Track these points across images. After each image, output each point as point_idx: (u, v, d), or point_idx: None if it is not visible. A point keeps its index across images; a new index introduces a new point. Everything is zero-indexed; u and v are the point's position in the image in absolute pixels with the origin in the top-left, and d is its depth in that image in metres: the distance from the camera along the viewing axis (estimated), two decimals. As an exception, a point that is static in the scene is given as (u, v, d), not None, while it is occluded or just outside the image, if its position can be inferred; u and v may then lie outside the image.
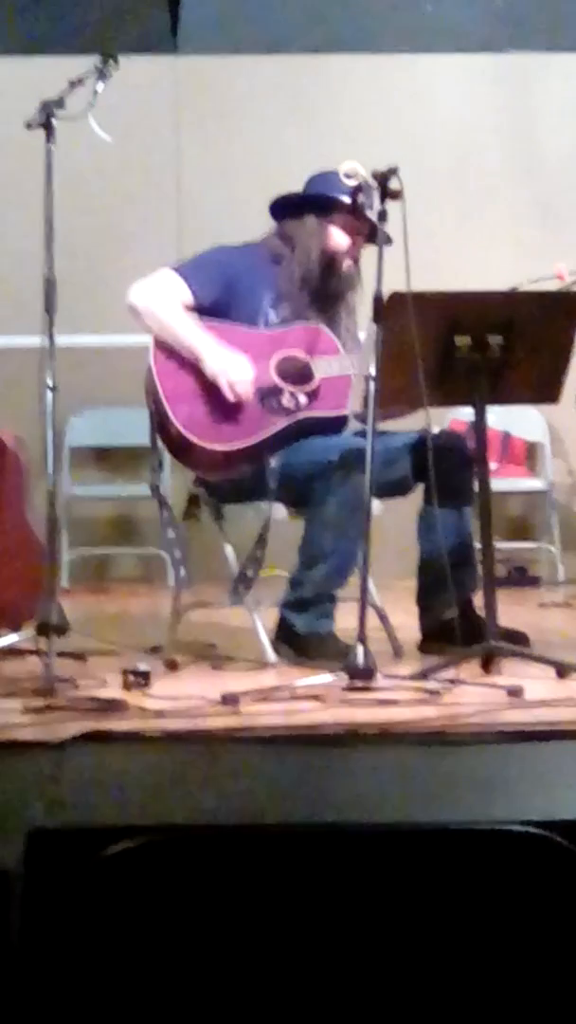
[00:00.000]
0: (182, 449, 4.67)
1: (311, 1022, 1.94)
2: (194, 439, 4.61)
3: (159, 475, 4.88)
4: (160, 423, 4.70)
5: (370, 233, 4.73)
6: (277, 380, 4.72)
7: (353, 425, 4.71)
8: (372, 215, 4.36)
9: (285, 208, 4.90)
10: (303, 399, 4.73)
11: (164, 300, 4.70)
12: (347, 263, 4.84)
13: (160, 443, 4.77)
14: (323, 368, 4.74)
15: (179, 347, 4.66)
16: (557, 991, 1.94)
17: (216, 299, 4.74)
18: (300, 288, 4.81)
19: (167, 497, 4.90)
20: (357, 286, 4.88)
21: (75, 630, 4.36)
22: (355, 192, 4.43)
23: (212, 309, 4.75)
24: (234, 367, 4.63)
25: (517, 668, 4.31)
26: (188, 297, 4.73)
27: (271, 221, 4.94)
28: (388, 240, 4.31)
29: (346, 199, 4.69)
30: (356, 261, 4.87)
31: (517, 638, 4.58)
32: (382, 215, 4.28)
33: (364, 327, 4.54)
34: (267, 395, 4.69)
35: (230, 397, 4.61)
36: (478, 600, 4.54)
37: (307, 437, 4.68)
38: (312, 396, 4.73)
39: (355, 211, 4.59)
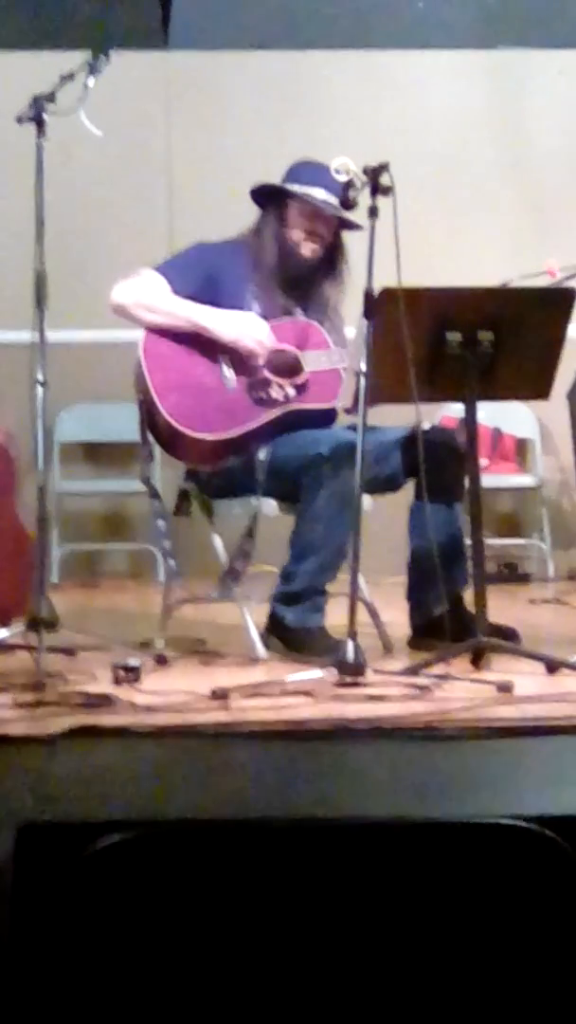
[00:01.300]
0: (170, 439, 4.68)
1: (301, 1015, 1.95)
2: (182, 428, 4.62)
3: (150, 466, 4.87)
4: (149, 413, 4.71)
5: (341, 221, 4.76)
6: (267, 373, 4.73)
7: (343, 419, 4.72)
8: (327, 205, 4.44)
9: (257, 200, 4.92)
10: (292, 391, 4.74)
11: (149, 290, 4.71)
12: (310, 249, 4.84)
13: (150, 435, 4.77)
14: (312, 361, 4.75)
15: (179, 326, 4.66)
16: (546, 983, 1.94)
17: (197, 296, 4.75)
18: (271, 280, 4.82)
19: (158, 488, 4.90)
20: (336, 276, 4.89)
21: (65, 625, 4.36)
22: (345, 188, 4.44)
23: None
24: (248, 327, 4.66)
25: (507, 664, 4.32)
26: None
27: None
28: (357, 226, 4.33)
29: (297, 188, 4.76)
30: (327, 248, 4.87)
31: (507, 634, 4.59)
32: (373, 211, 4.29)
33: (354, 322, 4.55)
34: (256, 387, 4.70)
35: (260, 352, 4.63)
36: (468, 596, 4.55)
37: (296, 430, 4.69)
38: (301, 389, 4.75)
39: (308, 201, 4.68)
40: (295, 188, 4.80)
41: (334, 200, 4.62)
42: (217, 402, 4.67)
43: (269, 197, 4.89)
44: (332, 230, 4.85)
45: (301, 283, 4.86)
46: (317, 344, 4.79)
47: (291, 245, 4.83)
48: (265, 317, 4.79)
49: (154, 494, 4.82)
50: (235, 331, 4.66)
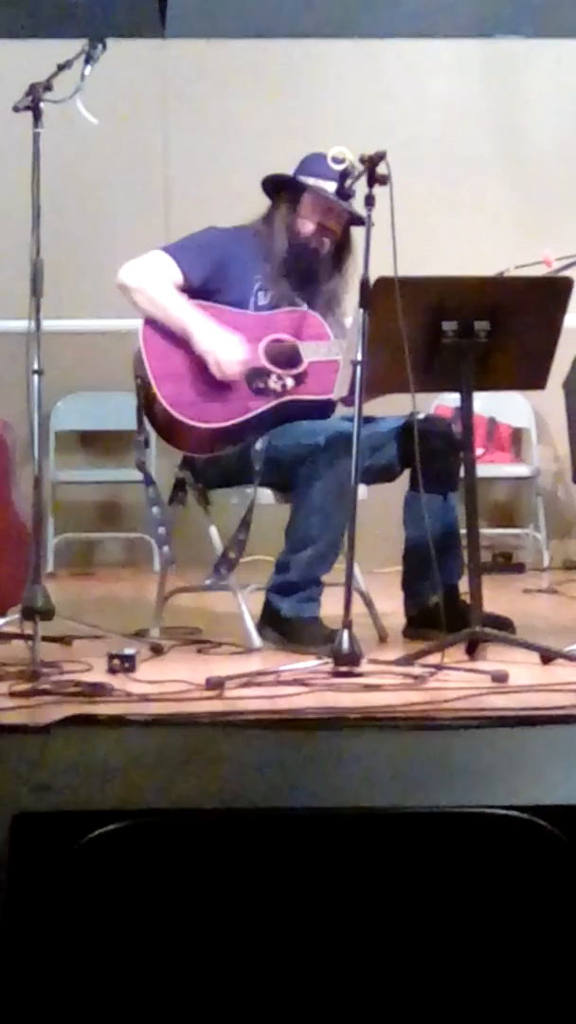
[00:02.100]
0: (167, 426, 4.68)
1: (296, 1002, 1.95)
2: (179, 416, 4.61)
3: (145, 451, 4.87)
4: (146, 400, 4.70)
5: (351, 217, 4.76)
6: (265, 362, 4.72)
7: (340, 410, 4.72)
8: (353, 202, 4.41)
9: (269, 190, 4.92)
10: (290, 382, 4.73)
11: (155, 279, 4.71)
12: (320, 242, 4.84)
13: (147, 422, 4.77)
14: (311, 352, 4.75)
15: (170, 324, 4.66)
16: (540, 970, 1.95)
17: (206, 280, 4.75)
18: (280, 270, 4.81)
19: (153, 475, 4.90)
20: (343, 272, 4.89)
21: (60, 614, 4.35)
22: (342, 176, 4.44)
23: (201, 290, 4.75)
24: (224, 346, 4.63)
25: (502, 653, 4.32)
26: (178, 277, 4.73)
27: (259, 204, 4.95)
28: (364, 222, 4.31)
29: (311, 181, 4.74)
30: (339, 244, 4.87)
31: (502, 624, 4.59)
32: (370, 200, 4.28)
33: (352, 312, 4.54)
34: (254, 376, 4.70)
35: (218, 376, 4.62)
36: (463, 586, 4.55)
37: (293, 421, 4.68)
38: (299, 379, 4.74)
39: (322, 194, 4.64)
40: (309, 181, 4.79)
41: (330, 194, 4.63)
42: (216, 391, 4.66)
43: (281, 188, 4.88)
44: (342, 225, 4.85)
45: (308, 276, 4.86)
46: (317, 335, 4.79)
47: (302, 237, 4.83)
48: (270, 306, 4.78)
49: (149, 480, 4.82)
50: (208, 345, 4.63)
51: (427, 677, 4.02)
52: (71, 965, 1.92)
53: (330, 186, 4.69)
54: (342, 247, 4.89)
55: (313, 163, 4.78)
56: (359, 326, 4.22)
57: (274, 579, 4.71)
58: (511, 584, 6.43)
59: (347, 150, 4.36)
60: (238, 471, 4.68)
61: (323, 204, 4.79)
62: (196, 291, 4.74)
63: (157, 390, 4.63)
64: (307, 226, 4.83)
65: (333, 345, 4.76)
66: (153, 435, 4.82)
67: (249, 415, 4.67)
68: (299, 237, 4.83)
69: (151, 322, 4.70)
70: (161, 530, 4.82)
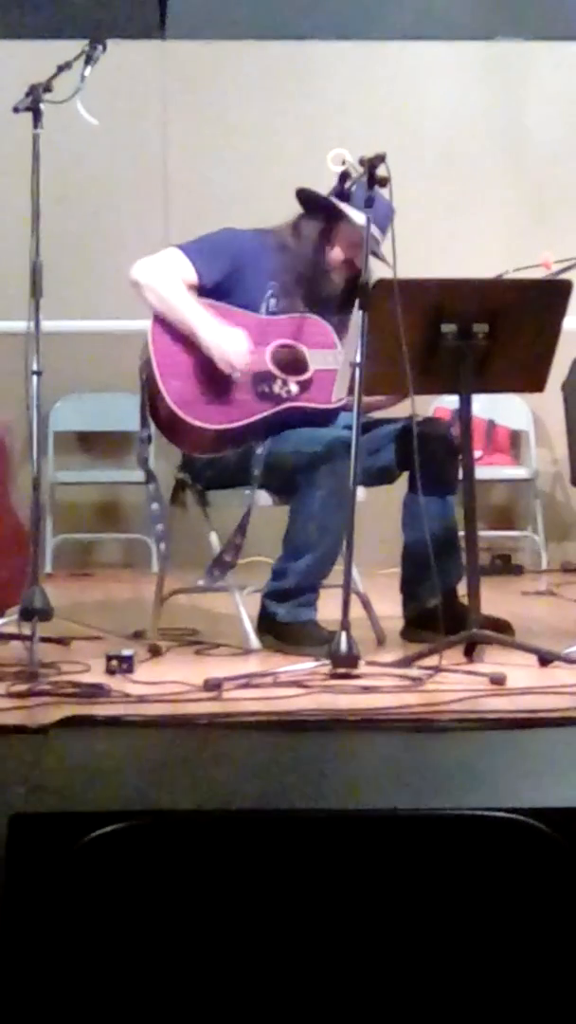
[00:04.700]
0: (170, 425, 4.67)
1: (292, 1003, 1.95)
2: (183, 415, 4.61)
3: (147, 447, 4.86)
4: (151, 397, 4.69)
5: (375, 255, 4.67)
6: (271, 367, 4.71)
7: (344, 418, 4.69)
8: (375, 242, 4.36)
9: (306, 202, 4.87)
10: (295, 388, 4.72)
11: (166, 277, 4.69)
12: (342, 274, 4.81)
13: (149, 418, 4.76)
14: (319, 360, 4.73)
15: (176, 321, 4.65)
16: (539, 973, 1.95)
17: (219, 281, 4.73)
18: (297, 284, 4.79)
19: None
20: (355, 304, 4.82)
21: (59, 615, 4.36)
22: (341, 179, 4.43)
23: (214, 291, 4.73)
24: (229, 341, 4.62)
25: (500, 656, 4.32)
26: (192, 277, 4.71)
27: (258, 205, 4.93)
28: (369, 229, 4.28)
29: (352, 213, 4.66)
30: (357, 278, 4.80)
31: (500, 626, 4.59)
32: (369, 201, 4.28)
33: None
34: (259, 380, 4.69)
35: (224, 370, 4.61)
36: (462, 588, 4.55)
37: (296, 427, 4.67)
38: (304, 386, 4.72)
39: (361, 230, 4.56)
40: (352, 214, 4.69)
41: (378, 234, 4.57)
42: (220, 392, 4.65)
43: (318, 207, 4.84)
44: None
45: (323, 300, 4.82)
46: (325, 344, 4.77)
47: (326, 263, 4.80)
48: (280, 312, 4.76)
49: (150, 476, 4.81)
50: (212, 340, 4.60)
51: (425, 679, 4.02)
52: (69, 967, 1.92)
53: (363, 219, 4.56)
54: (356, 280, 4.81)
55: (361, 193, 4.66)
56: (358, 328, 4.22)
57: (270, 585, 4.70)
58: (509, 586, 6.43)
59: (346, 152, 4.36)
60: (237, 473, 4.68)
61: (359, 239, 4.68)
62: (209, 291, 4.73)
63: (162, 387, 4.62)
64: (337, 255, 4.80)
65: (340, 354, 4.73)
66: (154, 435, 4.81)
67: (252, 418, 4.66)
68: (326, 263, 4.80)
69: (160, 320, 4.68)
70: (160, 527, 4.82)
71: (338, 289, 4.82)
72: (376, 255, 4.61)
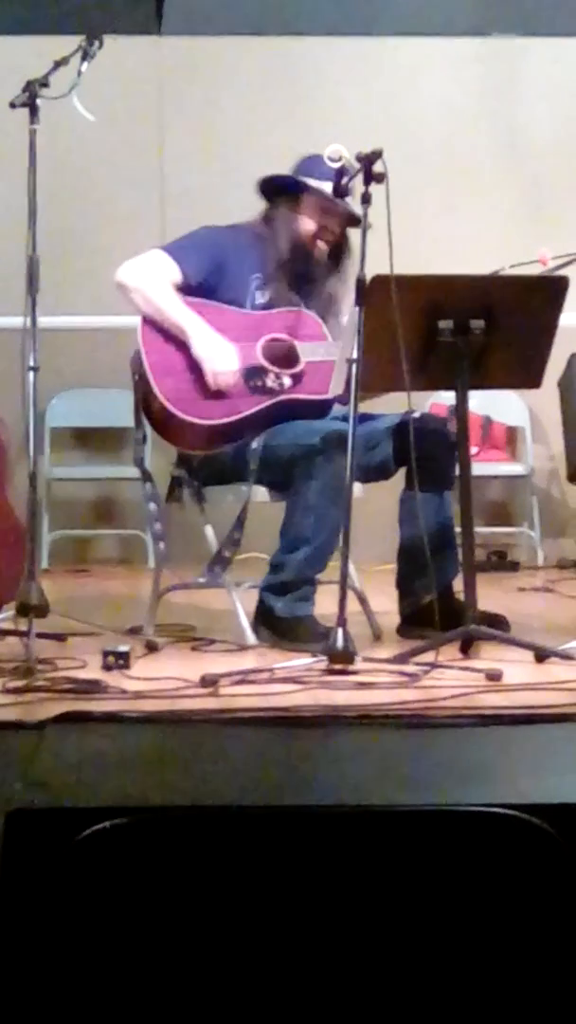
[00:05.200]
0: (164, 423, 4.67)
1: (290, 1000, 1.95)
2: (177, 412, 4.61)
3: (143, 447, 4.86)
4: (144, 396, 4.70)
5: (350, 218, 4.75)
6: (263, 361, 4.72)
7: (337, 410, 4.71)
8: (350, 200, 4.40)
9: (267, 190, 4.91)
10: (287, 381, 4.73)
11: (153, 279, 4.70)
12: (319, 244, 4.84)
13: (144, 417, 4.77)
14: (309, 352, 4.74)
15: (167, 326, 4.66)
16: (536, 970, 1.95)
17: (204, 279, 4.74)
18: (279, 270, 4.81)
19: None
20: (341, 272, 4.88)
21: (55, 611, 4.36)
22: (338, 175, 4.44)
23: (200, 289, 4.75)
24: (220, 357, 4.63)
25: (496, 652, 4.33)
26: (177, 277, 4.72)
27: (256, 202, 4.95)
28: (366, 224, 4.30)
29: (312, 182, 4.74)
30: (334, 245, 4.87)
31: (496, 622, 4.59)
32: (366, 198, 4.28)
33: (348, 312, 4.54)
34: (252, 375, 4.70)
35: (212, 385, 4.62)
36: (458, 584, 4.55)
37: (291, 420, 4.68)
38: (296, 379, 4.74)
39: (324, 195, 4.64)
40: (310, 182, 4.78)
41: (321, 186, 4.63)
42: (213, 388, 4.66)
43: (280, 189, 4.87)
44: (342, 227, 4.85)
45: (307, 276, 4.85)
46: (314, 336, 4.78)
47: (302, 238, 4.82)
48: (267, 305, 4.78)
49: (146, 477, 4.82)
50: (205, 353, 4.63)
51: (421, 675, 4.03)
52: (66, 963, 1.92)
53: (328, 187, 4.68)
54: (340, 248, 4.89)
55: (311, 164, 4.77)
56: (355, 324, 4.22)
57: (268, 578, 4.71)
58: (505, 582, 6.43)
59: (343, 148, 4.36)
60: (234, 469, 4.68)
61: (324, 205, 4.79)
62: (194, 289, 4.74)
63: (155, 386, 4.63)
64: (308, 226, 4.83)
65: (331, 345, 4.75)
66: (149, 432, 4.82)
67: (246, 413, 4.67)
68: (300, 238, 4.83)
69: (149, 319, 4.70)
70: (157, 526, 4.83)
71: (322, 260, 4.85)
72: (352, 217, 4.67)
